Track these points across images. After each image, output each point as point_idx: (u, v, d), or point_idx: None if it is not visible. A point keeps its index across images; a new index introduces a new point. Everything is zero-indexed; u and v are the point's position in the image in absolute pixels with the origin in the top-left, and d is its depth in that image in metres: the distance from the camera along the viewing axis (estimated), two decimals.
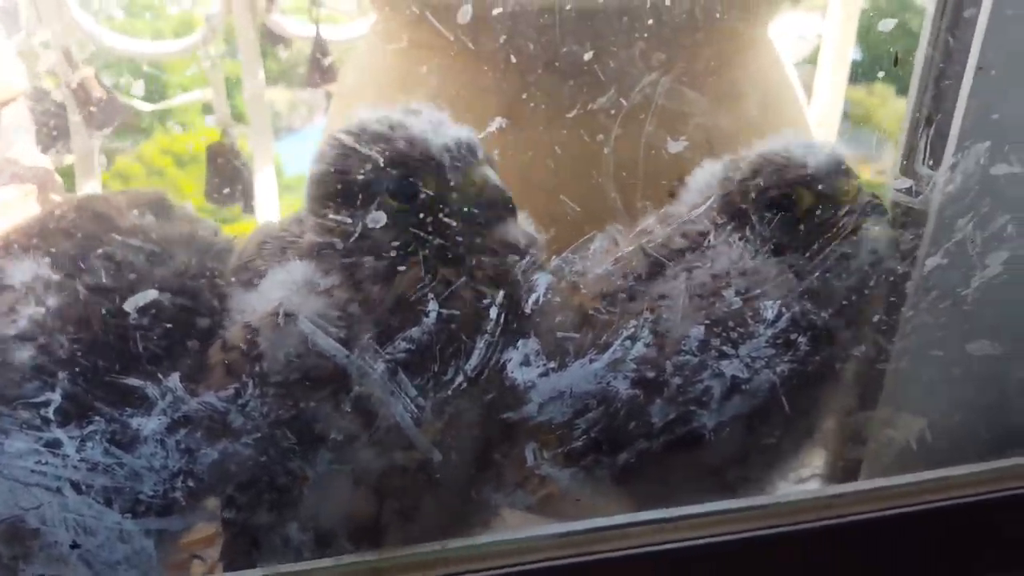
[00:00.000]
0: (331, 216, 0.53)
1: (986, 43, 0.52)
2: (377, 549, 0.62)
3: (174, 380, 0.53)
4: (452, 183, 0.53)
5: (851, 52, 1.00)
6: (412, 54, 0.62)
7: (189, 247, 0.56)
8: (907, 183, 0.57)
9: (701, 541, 0.66)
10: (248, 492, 0.59)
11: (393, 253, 0.54)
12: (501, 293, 0.55)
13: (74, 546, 0.57)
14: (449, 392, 0.57)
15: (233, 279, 0.59)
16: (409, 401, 0.56)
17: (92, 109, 0.91)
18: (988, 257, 0.59)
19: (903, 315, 0.61)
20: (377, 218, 0.52)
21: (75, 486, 0.55)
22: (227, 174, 1.06)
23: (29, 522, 0.56)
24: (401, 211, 0.53)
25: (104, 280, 0.49)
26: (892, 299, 0.61)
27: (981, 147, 0.54)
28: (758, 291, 0.57)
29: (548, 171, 0.57)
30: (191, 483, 0.57)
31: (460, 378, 0.56)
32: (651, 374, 0.59)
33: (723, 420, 0.62)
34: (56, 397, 0.52)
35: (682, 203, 0.62)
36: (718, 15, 0.58)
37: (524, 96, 0.57)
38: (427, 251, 0.54)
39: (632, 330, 0.57)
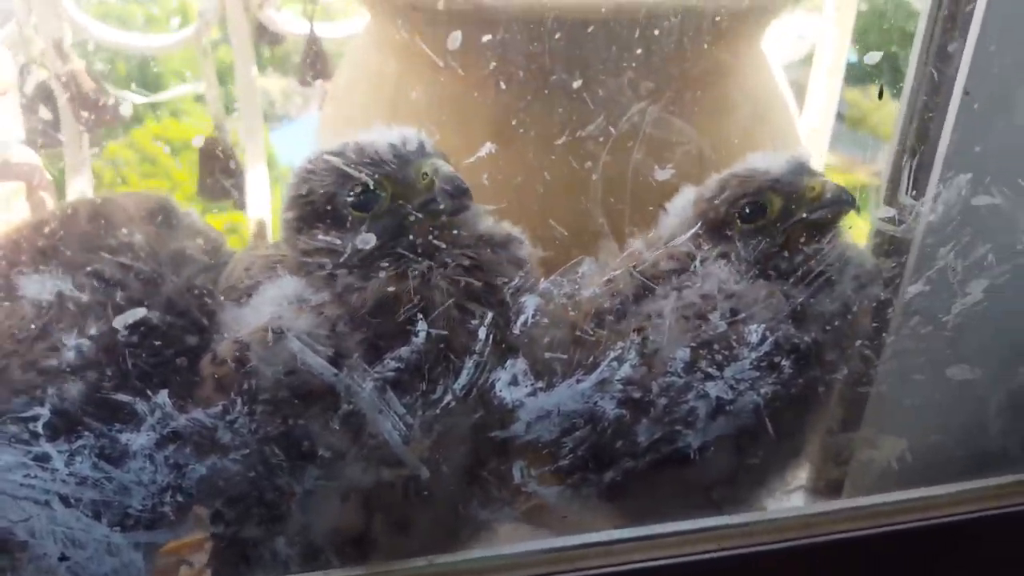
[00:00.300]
0: (320, 237, 0.53)
1: (970, 78, 0.54)
2: (365, 563, 0.62)
3: (163, 396, 0.53)
4: (405, 178, 0.54)
5: (846, 54, 1.01)
6: (403, 78, 0.63)
7: (185, 264, 0.57)
8: (890, 212, 0.58)
9: (687, 558, 0.67)
10: (237, 507, 0.60)
11: (381, 273, 0.54)
12: (490, 314, 0.56)
13: (63, 558, 0.57)
14: (438, 410, 0.57)
15: (222, 298, 0.59)
16: (398, 419, 0.57)
17: (82, 102, 0.90)
18: (969, 285, 0.60)
19: (886, 340, 0.62)
20: (366, 239, 0.53)
21: (64, 499, 0.55)
22: (219, 170, 1.05)
23: (18, 534, 0.56)
24: (373, 219, 0.55)
25: (96, 297, 0.49)
26: (875, 324, 0.62)
27: (963, 179, 0.56)
28: (743, 314, 0.58)
29: (537, 196, 0.58)
30: (180, 497, 0.57)
31: (449, 397, 0.57)
32: (637, 394, 0.60)
33: (708, 440, 0.63)
34: (45, 412, 0.53)
35: (664, 227, 0.63)
36: (705, 45, 0.59)
37: (514, 122, 0.58)
38: (414, 270, 0.55)
39: (619, 351, 0.58)
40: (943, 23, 0.56)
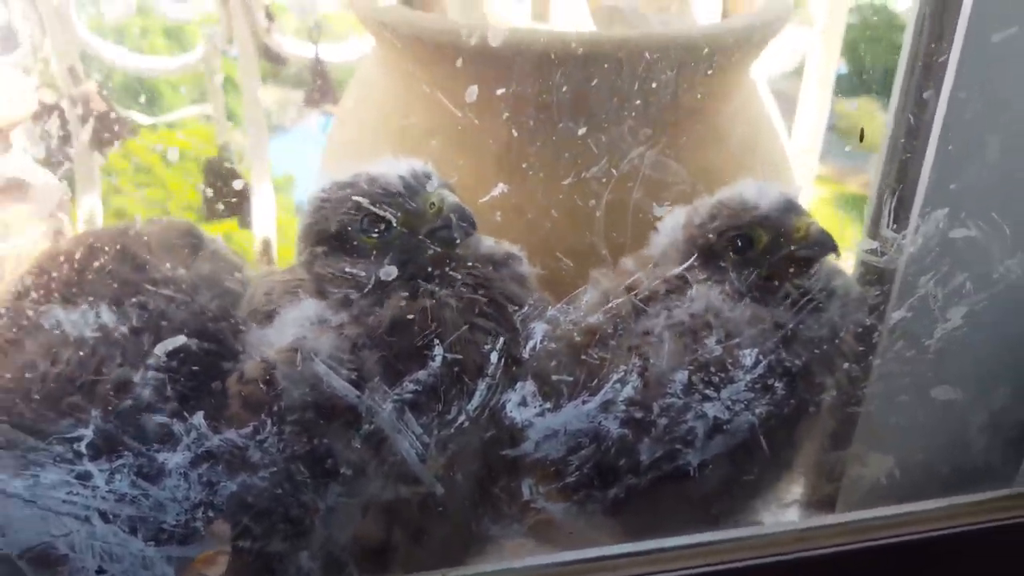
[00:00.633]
0: (344, 268, 0.58)
1: (944, 122, 0.58)
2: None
3: (198, 418, 0.57)
4: (414, 207, 0.58)
5: (835, 66, 1.03)
6: (410, 106, 0.67)
7: (214, 290, 0.60)
8: (873, 244, 0.63)
9: (687, 571, 0.70)
10: (262, 521, 0.63)
11: (397, 299, 0.58)
12: (502, 339, 0.60)
13: (100, 572, 0.61)
14: (452, 430, 0.61)
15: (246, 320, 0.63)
16: (415, 438, 0.61)
17: (93, 122, 0.93)
18: (949, 311, 0.64)
19: (872, 363, 0.66)
20: (389, 271, 0.57)
21: (103, 515, 0.59)
22: (224, 189, 1.09)
23: (59, 548, 0.59)
24: (382, 246, 0.59)
25: (137, 326, 0.53)
26: (862, 348, 0.66)
27: (940, 213, 0.60)
28: (736, 339, 0.62)
29: (545, 231, 0.62)
30: (211, 513, 0.61)
31: (463, 417, 0.61)
32: (639, 414, 0.63)
33: (706, 457, 0.66)
34: (88, 433, 0.56)
35: (655, 245, 0.66)
36: (699, 96, 0.64)
37: (524, 165, 0.63)
38: (428, 295, 0.59)
39: (622, 374, 0.62)
40: (919, 72, 0.60)
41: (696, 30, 0.83)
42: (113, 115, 0.93)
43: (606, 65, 0.60)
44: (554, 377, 0.62)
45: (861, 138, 0.62)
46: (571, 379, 0.62)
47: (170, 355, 0.55)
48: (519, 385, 0.61)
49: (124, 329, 0.53)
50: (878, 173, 0.63)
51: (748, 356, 0.62)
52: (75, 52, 0.98)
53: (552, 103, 0.60)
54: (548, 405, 0.62)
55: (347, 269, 0.58)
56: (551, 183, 0.63)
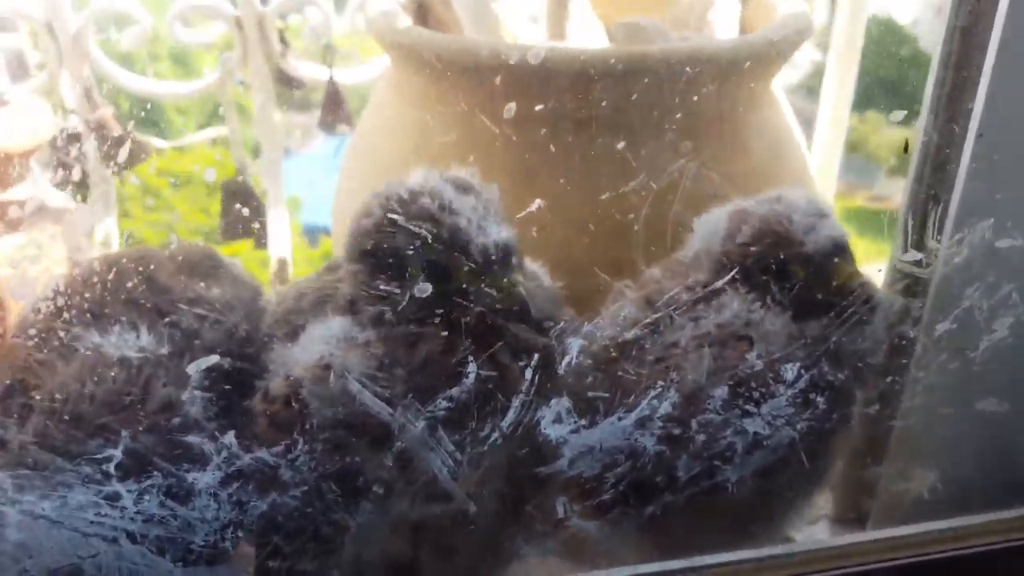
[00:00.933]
0: (382, 287, 0.56)
1: (987, 131, 0.57)
2: None
3: (230, 437, 0.56)
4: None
5: (854, 79, 1.02)
6: (428, 127, 0.67)
7: (242, 310, 0.60)
8: (917, 256, 0.61)
9: None
10: (292, 540, 0.62)
11: (436, 320, 0.57)
12: (536, 356, 0.58)
13: None
14: (485, 447, 0.60)
15: (271, 332, 0.62)
16: (447, 455, 0.59)
17: (110, 146, 0.94)
18: (995, 322, 0.62)
19: (915, 375, 0.65)
20: (424, 288, 0.56)
21: (131, 536, 0.58)
22: (241, 211, 1.09)
23: (86, 570, 0.58)
24: (416, 261, 0.55)
25: (170, 346, 0.52)
26: (905, 361, 0.64)
27: (986, 224, 0.58)
28: (777, 353, 0.61)
29: (583, 247, 0.61)
30: (240, 533, 0.60)
31: (496, 434, 0.59)
32: (677, 431, 0.62)
33: (745, 474, 0.65)
34: (117, 453, 0.55)
35: (688, 248, 0.64)
36: (741, 109, 0.63)
37: (562, 180, 0.62)
38: (467, 318, 0.58)
39: (659, 390, 0.61)
40: (955, 80, 0.59)
41: (720, 44, 0.81)
42: (129, 140, 0.94)
43: (646, 79, 0.58)
44: (589, 393, 0.61)
45: (906, 149, 0.61)
46: (607, 395, 0.61)
47: (203, 374, 0.54)
48: (554, 402, 0.60)
49: (157, 349, 0.52)
50: (911, 180, 0.61)
51: (789, 370, 0.60)
52: (91, 78, 0.99)
53: (591, 118, 0.59)
54: (583, 422, 0.61)
55: (382, 287, 0.56)
56: (589, 198, 0.62)
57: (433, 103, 0.74)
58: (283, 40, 1.07)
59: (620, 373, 0.60)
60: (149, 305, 0.53)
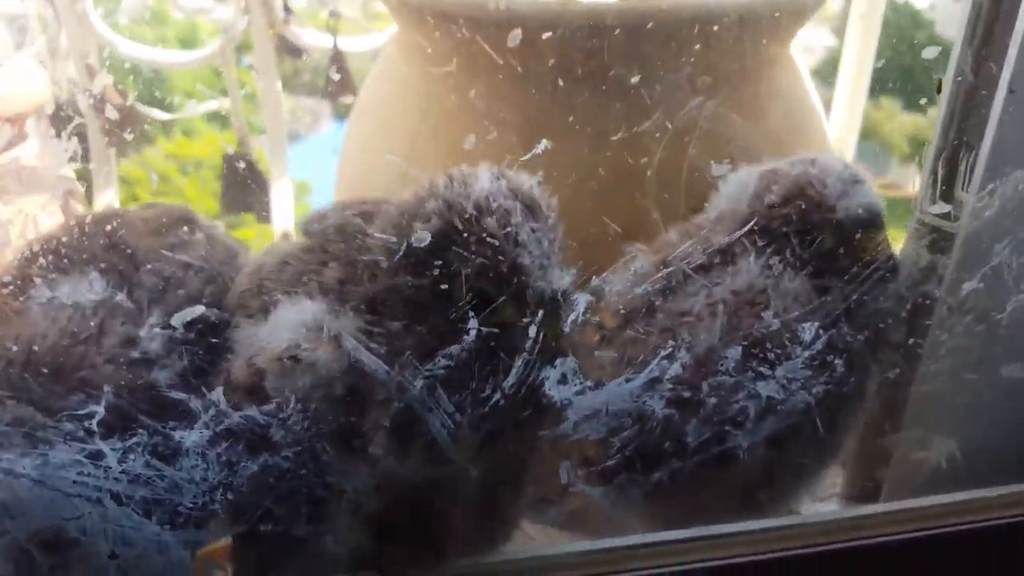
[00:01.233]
0: (376, 235, 0.53)
1: (1015, 76, 0.53)
2: (409, 564, 0.62)
3: (217, 394, 0.54)
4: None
5: (871, 62, 1.00)
6: (459, 76, 0.63)
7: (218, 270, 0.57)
8: (945, 208, 0.58)
9: (728, 561, 0.66)
10: (285, 504, 0.60)
11: (435, 272, 0.54)
12: (541, 312, 0.55)
13: (112, 556, 0.57)
14: (486, 409, 0.57)
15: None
16: (446, 417, 0.57)
17: (110, 117, 0.92)
18: None
19: (937, 338, 0.62)
20: (422, 237, 0.53)
21: (116, 497, 0.56)
22: (244, 183, 1.07)
23: (70, 532, 0.56)
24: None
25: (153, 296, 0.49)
26: (927, 322, 0.61)
27: (1020, 173, 0.55)
28: (795, 312, 0.58)
29: (592, 192, 0.58)
30: (230, 495, 0.57)
31: (498, 395, 0.57)
32: (687, 394, 0.59)
33: (756, 440, 0.62)
34: (100, 410, 0.53)
35: (712, 207, 0.61)
36: (764, 41, 0.59)
37: (571, 119, 0.58)
38: (468, 270, 0.55)
39: (669, 350, 0.58)
40: (984, 22, 0.55)
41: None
42: (129, 109, 0.91)
43: (663, 6, 0.54)
44: (596, 353, 0.58)
45: (939, 89, 0.58)
46: (615, 355, 0.58)
47: (187, 326, 0.51)
48: (559, 361, 0.57)
49: (136, 297, 0.49)
50: (943, 127, 0.58)
51: (807, 331, 0.57)
52: (91, 46, 0.96)
53: (603, 47, 0.55)
54: (589, 383, 0.58)
55: (388, 240, 0.52)
56: (599, 139, 0.58)
57: (441, 60, 0.70)
58: (287, 7, 1.03)
59: (630, 332, 0.58)
60: (121, 266, 0.50)
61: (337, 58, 1.07)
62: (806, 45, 0.87)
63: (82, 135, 0.89)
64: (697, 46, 0.59)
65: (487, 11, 0.61)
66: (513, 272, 0.51)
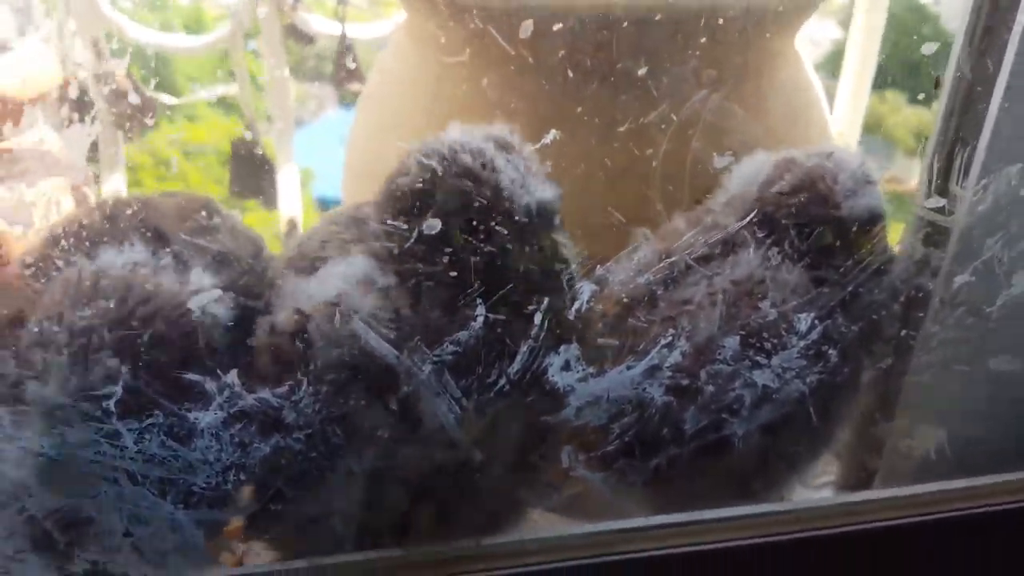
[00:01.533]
0: (389, 221, 0.55)
1: (1013, 73, 0.55)
2: (414, 543, 0.64)
3: (232, 376, 0.55)
4: (524, 245, 0.55)
5: (875, 60, 1.01)
6: (470, 66, 0.64)
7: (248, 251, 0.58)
8: (940, 202, 0.59)
9: (722, 544, 0.68)
10: (296, 485, 0.62)
11: (445, 259, 0.56)
12: (546, 300, 0.57)
13: (127, 534, 0.59)
14: (492, 394, 0.59)
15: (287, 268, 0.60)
16: (453, 402, 0.58)
17: (118, 101, 0.92)
18: (1014, 276, 0.61)
19: (929, 330, 0.63)
20: (432, 225, 0.54)
21: (131, 477, 0.57)
22: (251, 169, 1.07)
23: (86, 510, 0.58)
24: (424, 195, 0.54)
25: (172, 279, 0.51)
26: (920, 314, 0.63)
27: (1013, 169, 0.57)
28: (792, 303, 0.59)
29: (598, 182, 0.59)
30: (242, 476, 0.59)
31: (503, 381, 0.58)
32: (685, 382, 0.61)
33: (751, 428, 0.64)
34: (118, 390, 0.54)
35: (721, 192, 0.62)
36: (768, 35, 0.60)
37: (579, 110, 0.59)
38: (478, 258, 0.56)
39: (669, 339, 0.59)
40: (985, 18, 0.57)
41: None
42: (137, 94, 0.92)
43: (663, 30, 0.56)
44: (599, 340, 0.60)
45: (937, 85, 0.59)
46: (616, 343, 0.60)
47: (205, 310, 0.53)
48: (562, 349, 0.59)
49: (156, 279, 0.50)
50: (939, 122, 0.60)
51: (803, 321, 0.59)
52: (99, 29, 0.96)
53: (612, 39, 0.56)
54: (591, 370, 0.60)
55: (399, 226, 0.54)
56: (607, 130, 0.60)
57: (449, 43, 0.71)
58: None
59: (632, 320, 0.59)
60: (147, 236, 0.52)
61: (345, 45, 1.07)
62: (812, 38, 0.88)
63: (90, 118, 0.89)
64: (703, 39, 0.60)
65: (498, 1, 0.63)
66: (496, 192, 0.53)
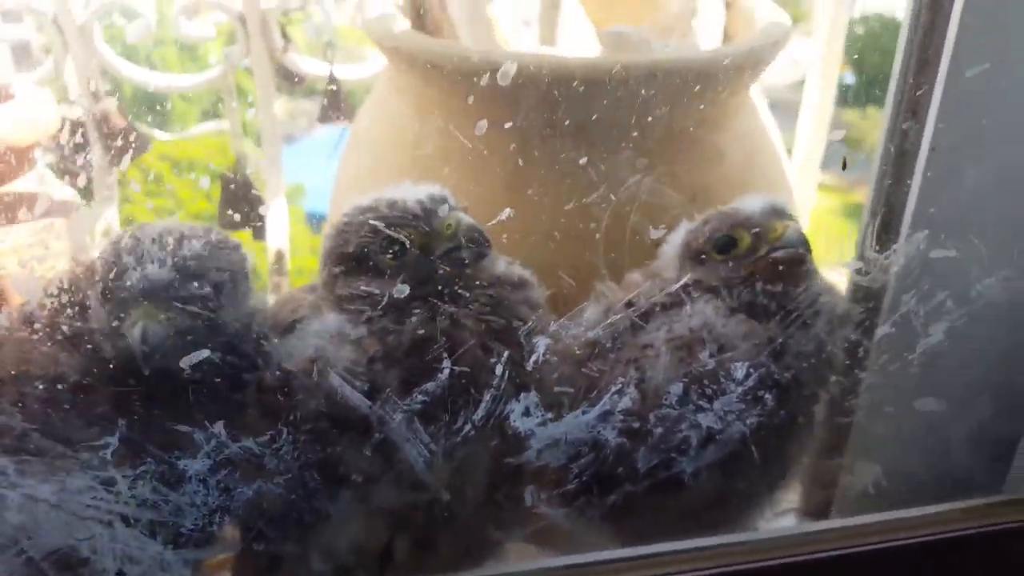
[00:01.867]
0: (360, 287, 0.61)
1: (929, 150, 0.62)
2: None
3: (219, 427, 0.60)
4: (430, 230, 0.62)
5: (836, 74, 1.06)
6: (434, 158, 0.72)
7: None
8: (858, 264, 0.66)
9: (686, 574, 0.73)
10: (275, 525, 0.66)
11: (413, 318, 0.62)
12: (506, 353, 0.63)
13: (120, 574, 0.63)
14: (458, 439, 0.64)
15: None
16: (423, 447, 0.64)
17: (113, 139, 0.97)
18: (931, 327, 0.67)
19: (859, 376, 0.70)
20: (401, 290, 0.60)
21: (124, 520, 0.62)
22: (240, 202, 1.12)
23: (81, 551, 0.62)
24: (398, 266, 0.62)
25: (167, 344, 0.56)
26: (848, 362, 0.69)
27: (921, 235, 0.63)
28: (729, 353, 0.65)
29: (549, 252, 0.66)
30: (227, 517, 0.64)
31: (468, 427, 0.64)
32: (636, 425, 0.66)
33: (700, 466, 0.69)
34: (114, 441, 0.59)
35: (662, 256, 0.69)
36: (691, 128, 0.68)
37: (529, 192, 0.67)
38: (442, 314, 0.62)
39: (620, 386, 0.65)
40: (905, 102, 0.64)
41: (697, 55, 0.86)
42: (132, 131, 0.96)
43: (605, 101, 0.64)
44: (556, 389, 0.65)
45: (844, 166, 0.66)
46: (571, 391, 0.66)
47: (194, 368, 0.58)
48: (522, 396, 0.64)
49: (152, 343, 0.55)
50: (868, 197, 0.67)
51: (739, 369, 0.65)
52: (95, 69, 1.01)
53: (556, 135, 0.64)
54: (550, 415, 0.65)
55: (363, 288, 0.61)
56: (554, 208, 0.67)
57: (427, 105, 0.78)
58: (285, 36, 1.10)
59: (584, 370, 0.65)
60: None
61: (333, 86, 1.13)
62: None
63: (85, 156, 0.94)
64: (661, 97, 0.68)
65: (470, 61, 0.70)
66: (418, 208, 0.62)
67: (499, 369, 0.63)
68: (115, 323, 0.55)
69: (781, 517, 0.87)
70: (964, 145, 0.62)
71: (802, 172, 1.11)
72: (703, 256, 0.66)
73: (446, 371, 0.62)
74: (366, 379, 0.61)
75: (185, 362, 0.57)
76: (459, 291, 0.61)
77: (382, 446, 0.63)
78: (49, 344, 0.56)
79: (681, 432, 0.67)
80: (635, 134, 0.65)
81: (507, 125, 0.64)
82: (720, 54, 0.84)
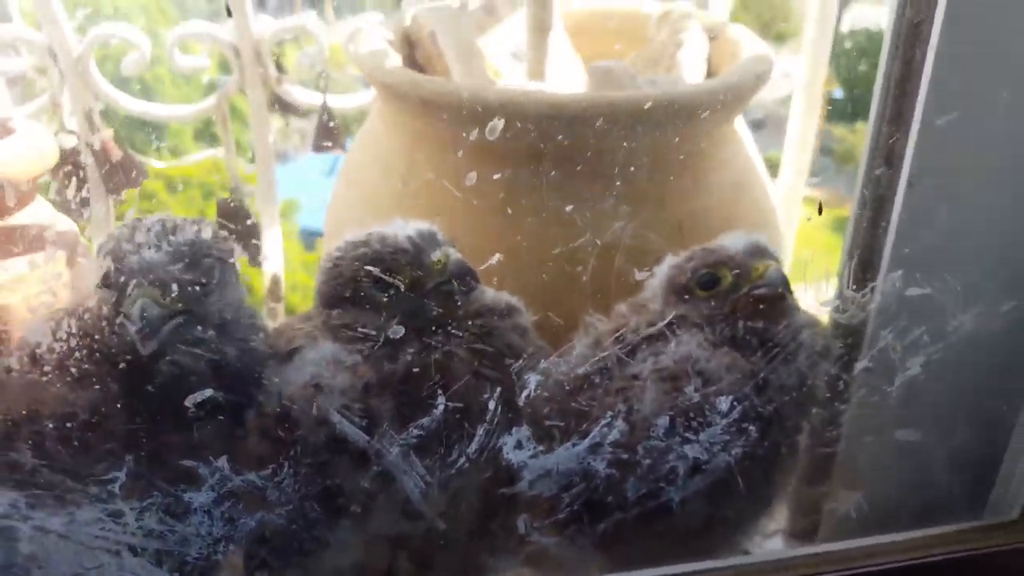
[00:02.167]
0: (360, 330, 0.64)
1: (904, 193, 0.65)
2: None
3: (223, 461, 0.63)
4: (421, 266, 0.64)
5: (822, 89, 1.08)
6: (414, 159, 0.74)
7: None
8: (836, 302, 0.69)
9: None
10: (277, 553, 0.69)
11: (407, 354, 0.64)
12: (499, 389, 0.65)
13: None
14: (453, 471, 0.67)
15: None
16: (419, 478, 0.66)
17: (110, 168, 0.99)
18: (908, 361, 0.70)
19: (840, 408, 0.72)
20: (397, 331, 0.63)
21: (132, 549, 0.64)
22: (235, 229, 1.14)
23: None
24: (389, 303, 0.64)
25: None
26: (829, 395, 0.71)
27: (897, 274, 0.66)
28: (714, 386, 0.68)
29: (539, 293, 0.69)
30: (231, 547, 0.66)
31: (463, 459, 0.66)
32: (625, 456, 0.69)
33: (688, 494, 0.72)
34: (122, 475, 0.62)
35: (648, 288, 0.71)
36: (679, 158, 0.71)
37: (518, 238, 0.70)
38: (434, 346, 0.65)
39: (608, 419, 0.68)
40: (880, 153, 0.67)
41: (681, 90, 0.89)
42: (129, 161, 0.99)
43: (588, 153, 0.67)
44: (547, 422, 0.68)
45: (820, 211, 0.69)
46: (562, 424, 0.68)
47: (199, 406, 0.60)
48: (515, 430, 0.67)
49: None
50: (846, 239, 0.70)
51: (724, 402, 0.67)
52: (92, 100, 1.04)
53: (541, 185, 0.68)
54: (541, 448, 0.68)
55: (360, 329, 0.63)
56: (542, 253, 0.70)
57: (418, 140, 0.81)
58: (279, 66, 1.12)
59: (574, 404, 0.68)
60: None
61: (326, 116, 1.15)
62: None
63: (82, 186, 0.95)
64: (647, 130, 0.70)
65: (461, 100, 0.73)
66: (408, 245, 0.64)
67: (492, 404, 0.65)
68: (117, 309, 0.57)
69: (769, 541, 0.90)
70: (936, 190, 0.64)
71: (790, 189, 1.13)
72: (687, 294, 0.69)
73: (441, 406, 0.64)
74: (362, 407, 0.64)
75: (189, 401, 0.60)
76: (449, 321, 0.64)
77: (379, 477, 0.65)
78: (59, 386, 0.58)
79: (668, 463, 0.69)
80: (619, 183, 0.68)
81: (496, 176, 0.67)
82: (704, 88, 0.87)
